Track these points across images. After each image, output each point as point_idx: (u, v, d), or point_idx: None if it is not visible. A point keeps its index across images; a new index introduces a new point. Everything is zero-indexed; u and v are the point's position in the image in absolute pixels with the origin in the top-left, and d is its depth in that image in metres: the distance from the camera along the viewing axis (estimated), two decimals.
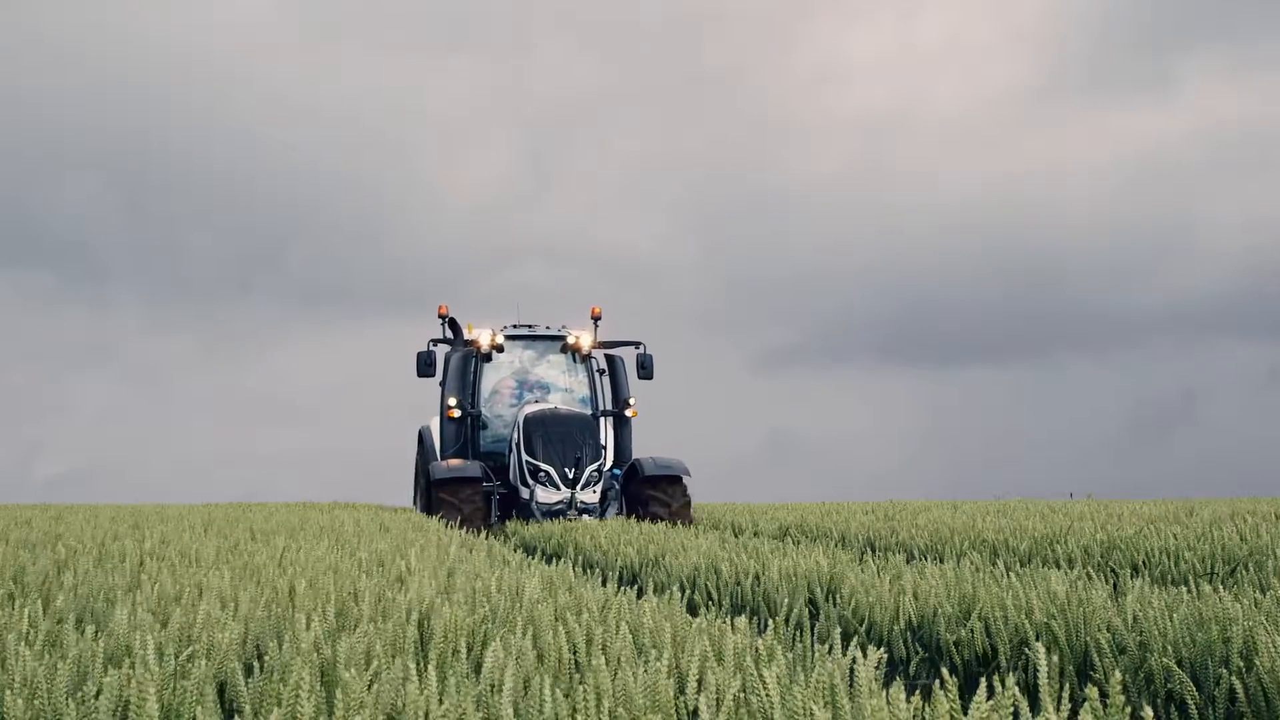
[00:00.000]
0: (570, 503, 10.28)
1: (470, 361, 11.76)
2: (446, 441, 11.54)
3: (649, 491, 10.42)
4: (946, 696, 1.60)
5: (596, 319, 12.19)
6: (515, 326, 12.22)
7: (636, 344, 12.10)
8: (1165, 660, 2.72)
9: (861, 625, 3.71)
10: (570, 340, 12.08)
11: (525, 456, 10.51)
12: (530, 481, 10.42)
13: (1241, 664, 2.65)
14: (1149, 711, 1.53)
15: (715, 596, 4.68)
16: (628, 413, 11.84)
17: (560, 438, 10.55)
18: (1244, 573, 4.96)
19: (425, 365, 11.55)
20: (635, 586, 4.69)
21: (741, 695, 1.87)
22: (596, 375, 12.23)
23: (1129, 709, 1.67)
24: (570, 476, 10.39)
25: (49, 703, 1.84)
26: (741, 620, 2.53)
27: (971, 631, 3.35)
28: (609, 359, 12.17)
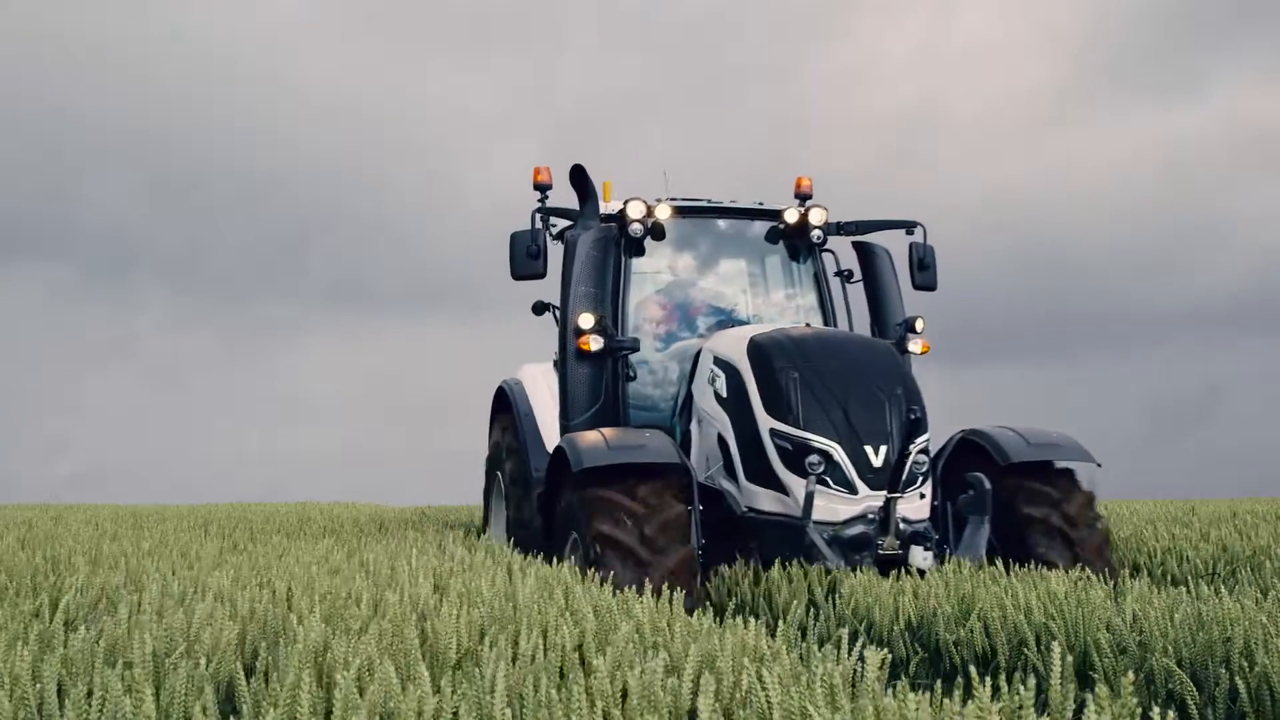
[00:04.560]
0: (886, 522, 4.97)
1: (611, 250, 6.37)
2: (576, 396, 6.12)
3: (1026, 509, 5.21)
4: (975, 696, 1.58)
5: (804, 197, 6.95)
6: (676, 200, 6.66)
7: (910, 225, 6.76)
8: (1165, 660, 2.71)
9: (861, 624, 3.70)
10: (791, 218, 6.71)
11: (772, 423, 5.24)
12: (785, 476, 5.16)
13: (1246, 664, 2.64)
14: (1162, 714, 1.52)
15: (715, 598, 4.66)
16: (913, 346, 6.40)
17: (845, 384, 5.28)
18: (1244, 572, 4.96)
19: (528, 256, 6.22)
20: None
21: (744, 695, 1.85)
22: (834, 282, 6.93)
23: (1140, 709, 1.65)
24: (876, 465, 5.08)
25: (40, 701, 1.82)
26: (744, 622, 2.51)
27: (971, 631, 3.34)
28: (865, 252, 6.83)
